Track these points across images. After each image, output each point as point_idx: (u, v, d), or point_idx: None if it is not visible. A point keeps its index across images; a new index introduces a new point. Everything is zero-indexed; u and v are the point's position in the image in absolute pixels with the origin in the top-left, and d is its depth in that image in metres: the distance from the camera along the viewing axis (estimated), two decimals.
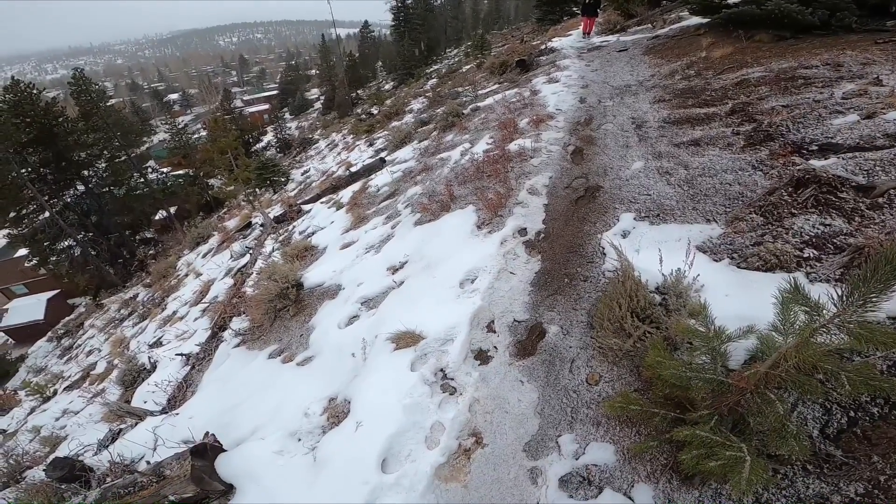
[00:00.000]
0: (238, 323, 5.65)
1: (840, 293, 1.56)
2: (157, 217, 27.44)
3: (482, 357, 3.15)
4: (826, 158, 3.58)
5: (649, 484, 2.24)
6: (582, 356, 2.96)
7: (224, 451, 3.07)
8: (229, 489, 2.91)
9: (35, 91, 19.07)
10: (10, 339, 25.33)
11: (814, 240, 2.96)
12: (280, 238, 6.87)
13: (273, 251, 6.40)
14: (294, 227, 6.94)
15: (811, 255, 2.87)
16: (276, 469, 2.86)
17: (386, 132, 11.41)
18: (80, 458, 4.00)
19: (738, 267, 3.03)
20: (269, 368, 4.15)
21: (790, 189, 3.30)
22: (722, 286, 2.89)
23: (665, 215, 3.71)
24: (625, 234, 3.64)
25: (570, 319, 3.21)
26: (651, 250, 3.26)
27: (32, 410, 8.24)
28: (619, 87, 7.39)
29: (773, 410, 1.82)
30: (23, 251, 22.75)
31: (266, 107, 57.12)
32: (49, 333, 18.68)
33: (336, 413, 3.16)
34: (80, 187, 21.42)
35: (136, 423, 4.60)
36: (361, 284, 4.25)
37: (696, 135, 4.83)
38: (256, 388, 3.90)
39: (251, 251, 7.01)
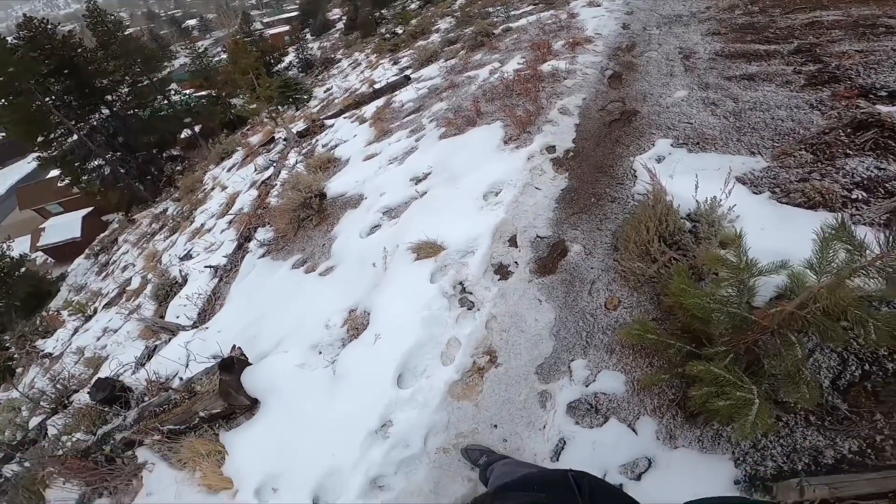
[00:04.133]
0: (263, 234, 5.64)
1: (887, 235, 1.44)
2: (182, 136, 27.36)
3: (502, 272, 3.08)
4: (895, 105, 3.20)
5: (654, 418, 2.22)
6: (603, 279, 2.87)
7: (250, 364, 3.10)
8: (254, 403, 2.96)
9: (50, 26, 19.03)
10: (50, 259, 26.21)
11: (865, 182, 2.73)
12: (303, 151, 6.71)
13: (297, 163, 6.27)
14: (317, 140, 6.75)
15: (860, 196, 2.65)
16: (298, 383, 2.86)
17: (411, 51, 10.77)
18: (120, 378, 4.13)
19: (779, 201, 2.82)
20: (293, 279, 4.15)
21: (849, 130, 3.02)
22: (758, 219, 2.72)
23: (705, 144, 3.43)
24: (659, 159, 3.41)
25: (594, 240, 3.08)
26: (686, 177, 3.04)
27: (76, 331, 8.57)
28: (668, 16, 6.69)
29: (792, 354, 1.73)
30: (55, 172, 23.16)
31: (286, 28, 54.38)
32: (87, 251, 19.31)
33: (356, 325, 3.16)
34: (105, 111, 21.70)
35: (170, 339, 4.70)
36: (384, 194, 4.16)
37: (751, 70, 4.37)
38: (280, 299, 3.91)
39: (275, 164, 6.89)
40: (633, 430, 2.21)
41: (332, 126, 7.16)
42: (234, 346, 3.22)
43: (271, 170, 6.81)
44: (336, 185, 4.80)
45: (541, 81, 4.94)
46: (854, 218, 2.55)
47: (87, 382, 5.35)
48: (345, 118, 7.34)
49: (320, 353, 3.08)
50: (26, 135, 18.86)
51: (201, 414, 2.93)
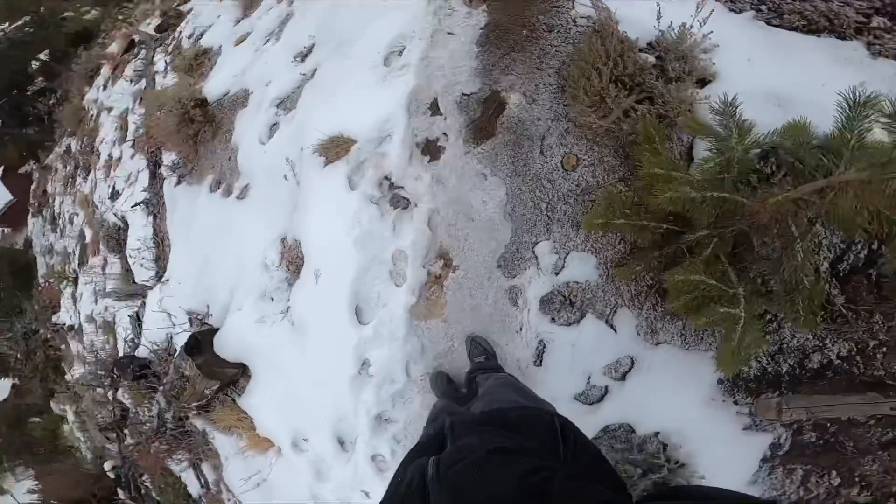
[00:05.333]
0: (168, 156, 4.33)
1: None
2: (33, 68, 21.21)
3: (432, 150, 2.29)
4: None
5: (633, 309, 1.90)
6: (554, 131, 2.15)
7: (215, 329, 2.79)
8: (243, 368, 2.72)
9: None
10: (5, 230, 22.60)
11: (888, 7, 1.88)
12: (169, 49, 4.85)
13: (167, 66, 4.55)
14: (180, 32, 4.92)
15: (881, 24, 1.84)
16: (268, 341, 2.52)
17: None
18: (136, 354, 3.85)
19: (770, 23, 1.96)
20: (216, 207, 3.34)
21: None
22: (743, 47, 1.91)
23: None
24: None
25: (535, 83, 2.23)
26: None
27: (74, 299, 7.36)
28: None
29: (791, 260, 1.30)
30: None
31: None
32: (30, 210, 16.32)
33: (292, 259, 2.59)
34: None
35: (143, 301, 4.17)
36: (270, 83, 3.06)
37: None
38: (213, 236, 3.23)
39: (144, 73, 5.06)
40: (612, 328, 1.91)
41: (190, 12, 5.13)
42: (191, 318, 3.06)
43: (144, 81, 5.00)
44: (215, 85, 3.56)
45: None
46: (872, 48, 1.80)
47: (114, 351, 4.99)
48: None
49: (272, 299, 2.61)
50: None
51: (207, 392, 2.77)
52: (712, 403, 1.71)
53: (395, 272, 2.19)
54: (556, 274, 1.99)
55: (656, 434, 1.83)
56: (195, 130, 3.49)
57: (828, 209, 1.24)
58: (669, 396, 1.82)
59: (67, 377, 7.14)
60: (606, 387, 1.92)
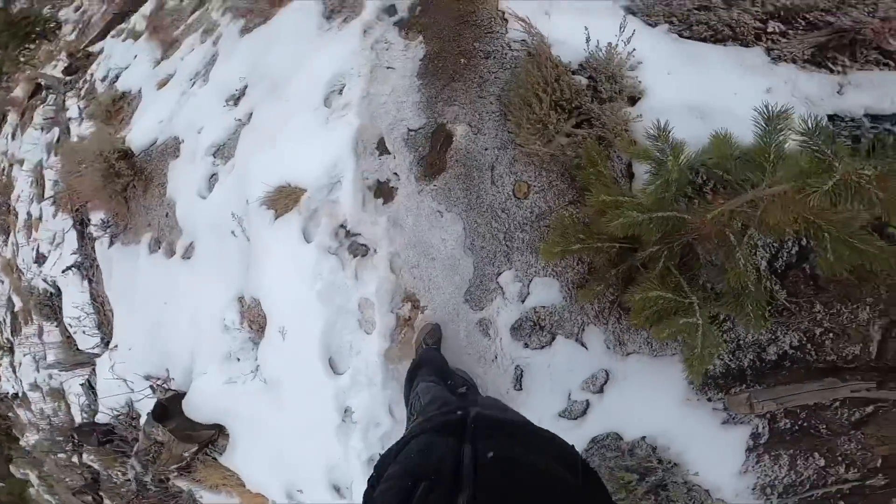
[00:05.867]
0: (96, 214, 3.99)
1: None
2: None
3: (384, 192, 2.24)
4: None
5: (599, 326, 1.96)
6: (503, 159, 2.16)
7: (181, 394, 2.69)
8: (219, 429, 2.65)
9: None
10: None
11: (781, 13, 1.98)
12: (82, 93, 4.45)
13: (81, 112, 4.18)
14: (91, 75, 4.52)
15: (776, 28, 1.96)
16: (242, 401, 2.44)
17: None
18: (96, 421, 3.63)
19: (681, 35, 2.05)
20: (159, 269, 3.12)
21: None
22: (662, 61, 2.00)
23: None
24: None
25: (479, 112, 2.25)
26: (568, 14, 2.14)
27: (13, 367, 6.68)
28: None
29: (732, 260, 1.42)
30: None
31: None
32: None
33: (253, 318, 2.49)
34: None
35: (93, 368, 3.84)
36: (202, 130, 2.90)
37: None
38: (161, 297, 3.04)
39: (57, 121, 4.63)
40: (583, 345, 1.96)
41: (101, 52, 4.74)
42: (153, 385, 2.89)
43: (56, 129, 4.58)
44: (139, 134, 3.31)
45: None
46: (772, 53, 1.92)
47: (69, 418, 4.62)
48: (112, 37, 4.90)
49: (238, 360, 2.51)
50: None
51: (185, 455, 2.67)
52: (688, 403, 1.80)
53: (364, 320, 2.14)
54: (523, 301, 2.02)
55: (643, 438, 1.89)
56: (123, 185, 3.21)
57: (760, 218, 1.32)
58: (648, 402, 1.88)
59: (22, 443, 6.70)
60: (587, 401, 1.97)
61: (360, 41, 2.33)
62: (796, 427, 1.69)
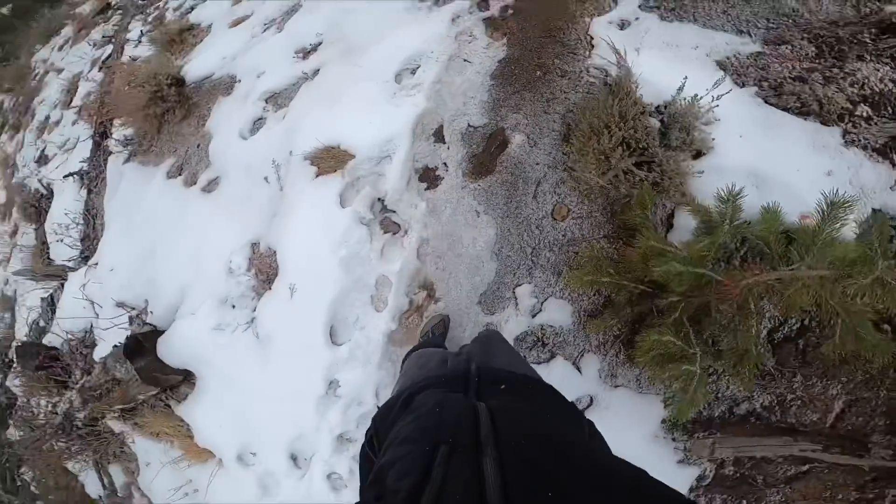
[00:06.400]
0: (121, 130, 3.90)
1: None
2: None
3: (429, 178, 2.23)
4: None
5: (598, 355, 2.00)
6: (550, 178, 2.17)
7: (160, 332, 2.51)
8: (187, 374, 2.49)
9: None
10: None
11: (875, 97, 1.96)
12: (149, 18, 4.47)
13: (143, 35, 4.18)
14: (166, 2, 4.55)
15: (864, 113, 1.93)
16: (224, 352, 2.33)
17: None
18: (42, 342, 3.38)
19: (767, 101, 2.03)
20: (173, 195, 3.03)
21: (873, 31, 2.08)
22: (739, 122, 1.98)
23: (683, 11, 2.39)
24: (623, 25, 2.39)
25: (540, 126, 2.25)
26: (656, 53, 2.17)
27: None
28: None
29: (746, 333, 1.52)
30: None
31: None
32: None
33: (263, 267, 2.39)
34: None
35: (61, 284, 3.64)
36: (263, 75, 2.87)
37: None
38: (166, 223, 2.93)
39: (113, 39, 4.62)
40: (578, 370, 2.00)
41: None
42: (132, 317, 2.69)
43: (111, 47, 4.56)
44: (198, 65, 3.29)
45: None
46: (847, 137, 1.91)
47: (9, 335, 4.41)
48: None
49: (233, 306, 2.39)
50: None
51: (141, 397, 2.51)
52: (655, 440, 1.86)
53: (377, 297, 2.10)
54: (533, 316, 2.02)
55: None
56: (165, 108, 3.19)
57: (785, 293, 1.38)
58: (621, 431, 1.90)
59: None
60: None
61: (448, 28, 2.37)
62: (738, 475, 1.80)
